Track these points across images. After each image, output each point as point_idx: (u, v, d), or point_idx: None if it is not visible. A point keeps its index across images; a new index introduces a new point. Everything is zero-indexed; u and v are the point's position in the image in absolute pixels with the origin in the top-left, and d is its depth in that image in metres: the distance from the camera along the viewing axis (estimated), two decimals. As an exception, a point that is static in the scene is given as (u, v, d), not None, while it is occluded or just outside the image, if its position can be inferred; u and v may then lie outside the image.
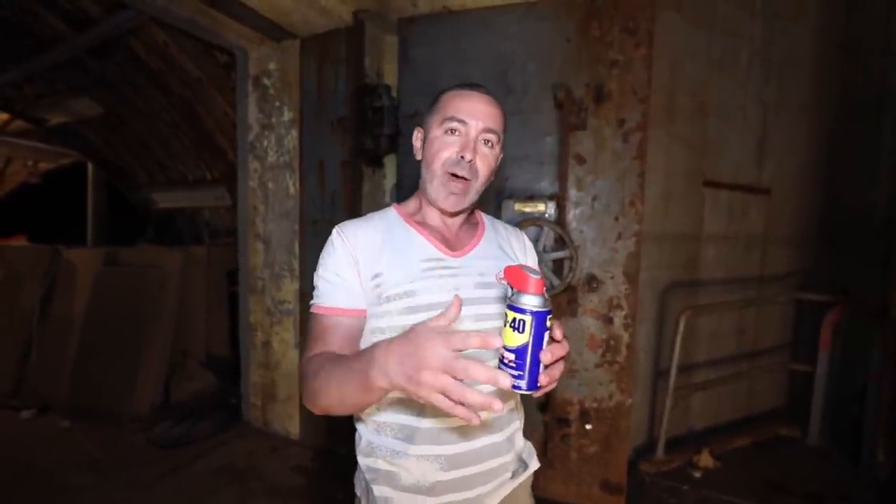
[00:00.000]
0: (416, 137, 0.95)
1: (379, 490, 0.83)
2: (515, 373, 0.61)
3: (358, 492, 0.89)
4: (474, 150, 0.86)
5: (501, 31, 2.12)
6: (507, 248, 0.98)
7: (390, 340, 0.62)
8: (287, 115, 2.69)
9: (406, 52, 2.30)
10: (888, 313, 2.29)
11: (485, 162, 0.88)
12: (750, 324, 2.94)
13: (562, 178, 2.03)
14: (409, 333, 0.60)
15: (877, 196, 2.92)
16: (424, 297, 0.81)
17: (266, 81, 2.76)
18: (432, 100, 0.94)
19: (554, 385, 0.66)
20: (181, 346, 3.34)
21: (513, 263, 0.92)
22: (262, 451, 2.66)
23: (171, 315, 3.25)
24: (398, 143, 2.38)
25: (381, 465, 0.83)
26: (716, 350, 2.81)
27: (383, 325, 0.81)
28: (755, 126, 2.80)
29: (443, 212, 0.91)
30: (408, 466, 0.81)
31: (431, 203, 0.91)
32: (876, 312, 2.42)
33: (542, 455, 2.08)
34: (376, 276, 0.82)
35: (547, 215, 2.08)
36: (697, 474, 2.41)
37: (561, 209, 2.04)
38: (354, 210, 2.40)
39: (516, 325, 0.60)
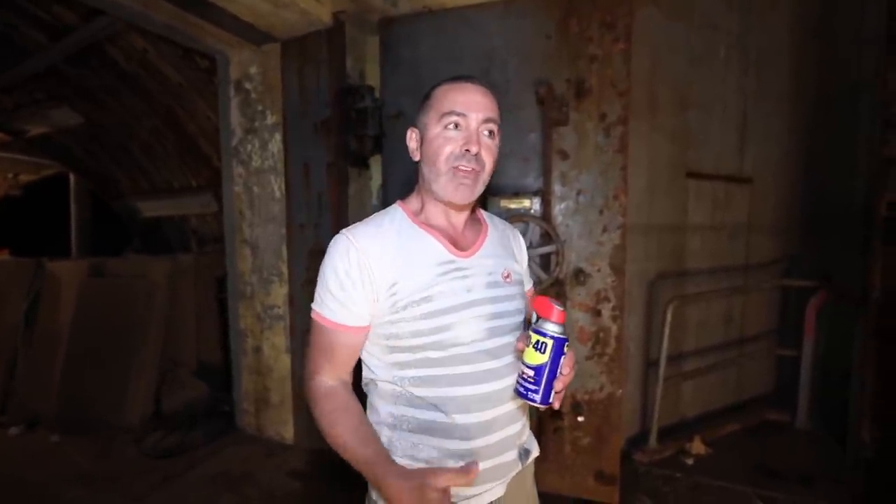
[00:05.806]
0: (411, 138, 0.92)
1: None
2: (532, 387, 0.75)
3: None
4: (478, 142, 0.85)
5: (482, 29, 2.13)
6: (507, 244, 1.00)
7: (400, 478, 0.73)
8: (270, 119, 2.68)
9: (388, 52, 2.30)
10: (867, 297, 2.34)
11: (489, 152, 0.87)
12: (737, 312, 2.98)
13: (546, 174, 2.05)
14: (413, 485, 0.71)
15: (856, 182, 2.98)
16: (440, 301, 0.82)
17: (248, 85, 2.74)
18: (423, 97, 0.91)
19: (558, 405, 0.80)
20: (171, 355, 3.31)
21: (514, 260, 0.98)
22: (257, 458, 2.64)
23: (159, 324, 3.21)
24: (382, 143, 2.38)
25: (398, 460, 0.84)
26: (704, 339, 2.85)
27: (397, 330, 0.82)
28: (735, 116, 2.83)
29: (452, 206, 0.90)
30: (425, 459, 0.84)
31: (439, 199, 0.89)
32: (856, 297, 2.47)
33: (536, 449, 2.10)
34: (392, 285, 0.81)
35: (533, 211, 2.09)
36: (690, 461, 2.44)
37: (546, 204, 2.06)
38: (341, 212, 2.39)
39: (539, 347, 0.73)
